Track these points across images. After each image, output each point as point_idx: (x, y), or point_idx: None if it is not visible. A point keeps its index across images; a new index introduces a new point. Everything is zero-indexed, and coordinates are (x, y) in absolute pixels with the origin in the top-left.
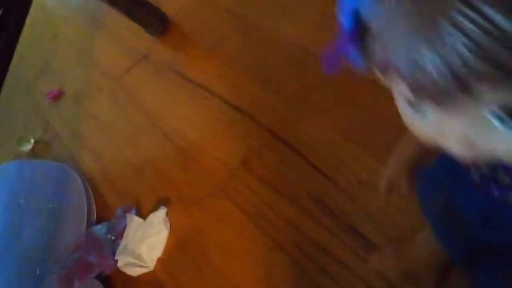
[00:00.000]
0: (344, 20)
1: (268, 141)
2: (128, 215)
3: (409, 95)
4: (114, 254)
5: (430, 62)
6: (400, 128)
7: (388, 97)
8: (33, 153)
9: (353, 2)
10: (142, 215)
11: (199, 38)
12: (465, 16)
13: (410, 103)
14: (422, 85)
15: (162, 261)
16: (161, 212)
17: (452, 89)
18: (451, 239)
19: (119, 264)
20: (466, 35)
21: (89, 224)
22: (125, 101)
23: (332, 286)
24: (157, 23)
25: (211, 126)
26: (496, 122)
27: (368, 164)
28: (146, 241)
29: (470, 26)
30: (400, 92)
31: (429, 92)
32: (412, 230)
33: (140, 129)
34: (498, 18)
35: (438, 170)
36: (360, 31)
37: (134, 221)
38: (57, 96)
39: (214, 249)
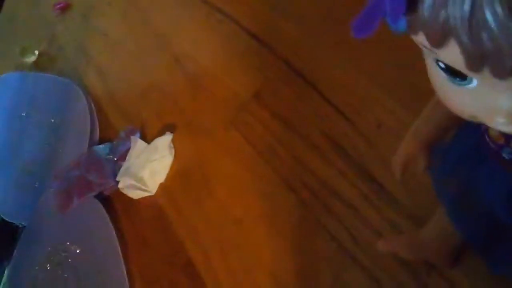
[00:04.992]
0: None
1: (285, 74)
2: (132, 137)
3: (460, 62)
4: (115, 175)
5: (497, 22)
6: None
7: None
8: (37, 66)
9: None
10: (146, 139)
11: None
12: None
13: (454, 72)
14: (483, 49)
15: (163, 187)
16: (167, 138)
17: None
18: (467, 221)
19: (120, 185)
20: None
21: (91, 143)
22: (135, 19)
23: (337, 228)
24: None
25: (225, 54)
26: None
27: (390, 108)
28: (149, 165)
29: None
30: (442, 59)
31: (489, 59)
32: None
33: (149, 50)
34: None
35: (455, 150)
36: None
37: (138, 144)
38: (65, 8)
39: (217, 180)
